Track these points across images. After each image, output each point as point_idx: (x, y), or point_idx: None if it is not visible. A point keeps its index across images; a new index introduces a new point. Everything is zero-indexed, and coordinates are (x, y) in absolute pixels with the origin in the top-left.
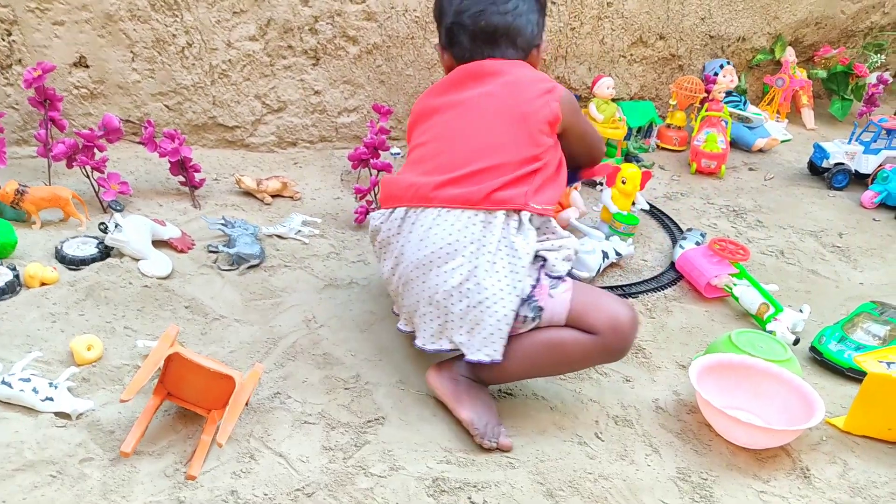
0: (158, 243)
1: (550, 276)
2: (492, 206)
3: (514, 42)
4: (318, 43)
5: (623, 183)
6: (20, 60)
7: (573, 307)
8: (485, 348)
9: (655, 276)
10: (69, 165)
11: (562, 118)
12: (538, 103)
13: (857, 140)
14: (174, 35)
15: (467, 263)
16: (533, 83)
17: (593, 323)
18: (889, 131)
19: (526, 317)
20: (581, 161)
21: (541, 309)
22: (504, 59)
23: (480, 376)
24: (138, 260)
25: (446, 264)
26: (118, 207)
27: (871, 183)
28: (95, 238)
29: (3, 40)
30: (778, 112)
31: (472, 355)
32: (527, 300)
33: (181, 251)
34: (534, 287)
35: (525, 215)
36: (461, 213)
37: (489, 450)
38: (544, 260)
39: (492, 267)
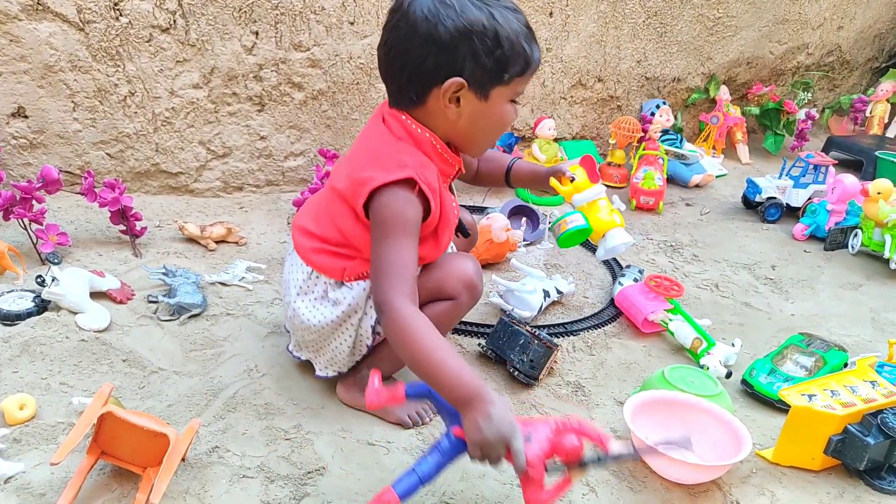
0: (97, 295)
1: None
2: (312, 266)
3: (393, 82)
4: (263, 90)
5: (572, 181)
6: None
7: (427, 288)
8: (329, 368)
9: (596, 314)
10: (6, 218)
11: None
12: (355, 189)
13: (787, 175)
14: (116, 84)
15: (293, 303)
16: (364, 164)
17: (451, 292)
18: (816, 166)
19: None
20: None
21: None
22: (398, 108)
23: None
24: (76, 313)
25: (286, 297)
26: (55, 260)
27: (802, 216)
28: (32, 292)
29: None
30: (714, 148)
31: (321, 372)
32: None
33: (120, 302)
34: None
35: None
36: (296, 258)
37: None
38: None
39: (318, 313)
